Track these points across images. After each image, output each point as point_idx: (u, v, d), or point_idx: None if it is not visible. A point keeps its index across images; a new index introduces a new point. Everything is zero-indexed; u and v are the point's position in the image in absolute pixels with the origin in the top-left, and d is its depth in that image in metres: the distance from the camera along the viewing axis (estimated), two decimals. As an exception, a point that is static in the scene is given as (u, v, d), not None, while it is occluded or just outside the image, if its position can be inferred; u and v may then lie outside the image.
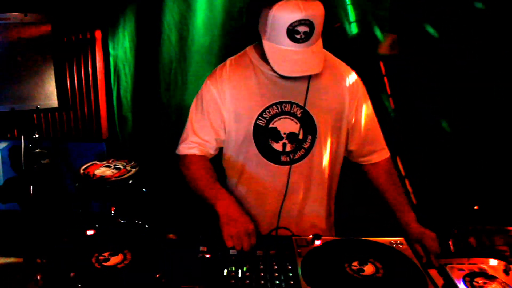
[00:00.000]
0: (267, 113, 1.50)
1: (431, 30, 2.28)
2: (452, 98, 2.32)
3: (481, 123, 2.30)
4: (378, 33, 2.32)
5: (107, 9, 2.42)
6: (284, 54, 1.34)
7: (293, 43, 1.32)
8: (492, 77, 2.24)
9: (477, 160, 2.32)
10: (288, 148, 1.51)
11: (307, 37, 1.32)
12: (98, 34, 2.50)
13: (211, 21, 2.37)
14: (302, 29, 1.30)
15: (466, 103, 2.30)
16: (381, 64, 2.39)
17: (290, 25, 1.29)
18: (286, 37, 1.31)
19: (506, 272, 1.25)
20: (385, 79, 2.39)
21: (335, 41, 1.42)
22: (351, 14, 2.35)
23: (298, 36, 1.31)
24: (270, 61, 1.35)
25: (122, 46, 2.47)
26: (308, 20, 1.29)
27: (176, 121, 2.52)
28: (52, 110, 2.06)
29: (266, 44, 1.36)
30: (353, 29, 2.37)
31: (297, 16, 1.27)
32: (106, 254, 1.22)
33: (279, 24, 1.30)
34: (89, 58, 2.54)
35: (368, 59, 2.37)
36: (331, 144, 1.57)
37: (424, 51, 2.30)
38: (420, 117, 2.38)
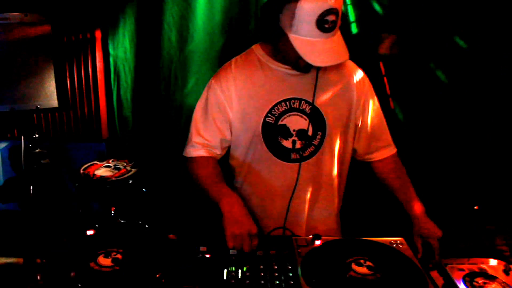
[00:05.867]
0: (275, 110, 1.49)
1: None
2: (452, 98, 2.32)
3: (481, 123, 2.30)
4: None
5: (107, 9, 2.42)
6: (314, 45, 1.33)
7: (322, 33, 1.32)
8: (492, 77, 2.24)
9: (477, 160, 2.32)
10: (297, 145, 1.51)
11: (334, 25, 1.32)
12: (98, 34, 2.49)
13: (211, 21, 2.37)
14: (330, 18, 1.30)
15: (466, 103, 2.30)
16: (381, 64, 2.39)
17: (320, 15, 1.29)
18: (316, 27, 1.31)
19: (506, 272, 1.25)
20: (385, 79, 2.39)
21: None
22: (351, 14, 2.35)
23: (327, 26, 1.31)
24: (301, 54, 1.34)
25: (122, 46, 2.46)
26: (335, 8, 1.30)
27: (176, 121, 2.52)
28: (52, 110, 2.05)
29: (293, 38, 1.34)
30: (353, 29, 2.37)
31: (326, 5, 1.28)
32: (106, 254, 1.22)
33: (309, 15, 1.29)
34: (89, 58, 2.54)
35: (368, 59, 2.37)
36: (340, 140, 1.57)
37: (424, 51, 2.30)
38: (420, 118, 2.38)
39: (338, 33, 1.38)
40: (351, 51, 1.60)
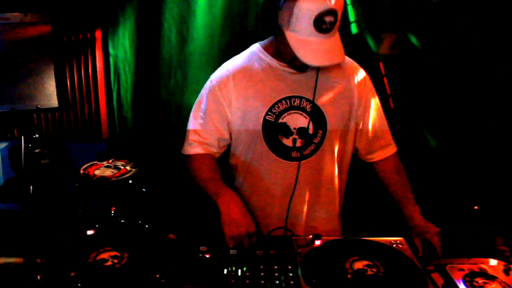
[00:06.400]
0: (276, 108, 1.49)
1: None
2: (452, 98, 2.32)
3: (481, 123, 2.30)
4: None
5: (107, 9, 2.42)
6: (310, 44, 1.33)
7: (319, 33, 1.32)
8: (492, 76, 2.24)
9: (477, 160, 2.32)
10: (298, 144, 1.51)
11: (331, 26, 1.32)
12: (98, 34, 2.49)
13: (211, 21, 2.37)
14: (328, 19, 1.30)
15: (466, 103, 2.30)
16: (381, 64, 2.39)
17: (318, 15, 1.29)
18: (313, 27, 1.31)
19: (506, 272, 1.25)
20: (385, 79, 2.39)
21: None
22: (351, 14, 2.35)
23: (324, 26, 1.31)
24: (296, 52, 1.34)
25: (122, 46, 2.46)
26: (334, 9, 1.30)
27: (176, 121, 2.52)
28: (52, 110, 2.06)
29: (289, 36, 1.34)
30: (353, 29, 2.37)
31: (324, 6, 1.28)
32: (106, 254, 1.22)
33: (307, 15, 1.29)
34: (89, 58, 2.54)
35: (368, 59, 2.37)
36: (341, 138, 1.57)
37: (424, 51, 2.30)
38: (419, 117, 2.38)
39: (336, 34, 1.38)
40: (351, 51, 1.60)
